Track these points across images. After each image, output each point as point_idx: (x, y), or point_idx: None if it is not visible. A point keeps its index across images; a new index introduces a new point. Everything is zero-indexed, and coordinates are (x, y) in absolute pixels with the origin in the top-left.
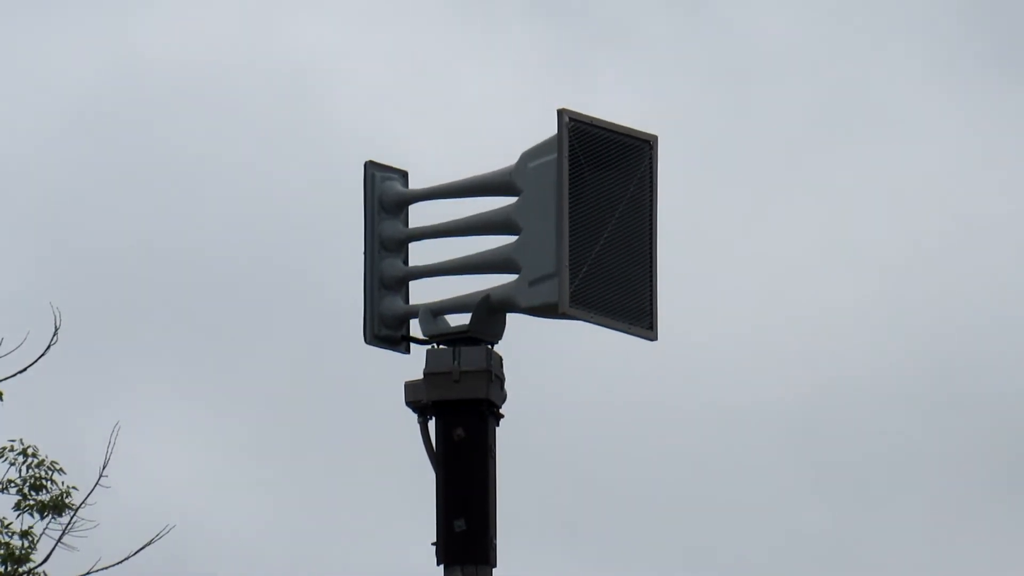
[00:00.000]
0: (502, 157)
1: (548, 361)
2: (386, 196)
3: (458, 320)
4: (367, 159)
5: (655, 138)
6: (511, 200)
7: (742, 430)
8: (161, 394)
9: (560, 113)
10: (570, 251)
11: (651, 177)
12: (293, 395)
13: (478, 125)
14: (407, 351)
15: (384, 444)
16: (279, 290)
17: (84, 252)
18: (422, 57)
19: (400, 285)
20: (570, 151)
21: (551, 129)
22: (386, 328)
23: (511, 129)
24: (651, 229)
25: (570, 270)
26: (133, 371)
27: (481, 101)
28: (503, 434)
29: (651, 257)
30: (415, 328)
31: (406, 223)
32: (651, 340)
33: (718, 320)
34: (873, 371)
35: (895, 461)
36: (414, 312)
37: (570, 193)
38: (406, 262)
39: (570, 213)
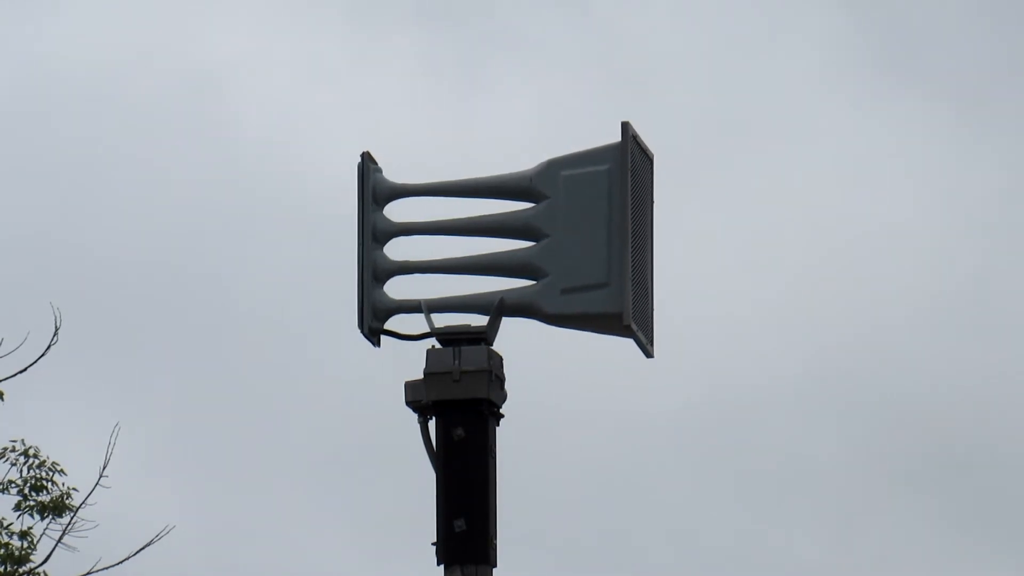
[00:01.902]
0: (400, 159)
1: (547, 361)
2: (379, 188)
3: (452, 320)
4: (363, 150)
5: (653, 156)
6: (523, 205)
7: (645, 436)
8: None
9: (625, 126)
10: (632, 264)
11: (652, 193)
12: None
13: (375, 128)
14: (378, 344)
15: (384, 444)
16: (188, 291)
17: None
18: (321, 62)
19: (390, 278)
20: (632, 163)
21: (448, 130)
22: (378, 321)
23: (407, 131)
24: (652, 248)
25: (633, 283)
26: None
27: (378, 104)
28: (503, 434)
29: (652, 273)
30: (393, 323)
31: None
32: (649, 357)
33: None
34: (775, 376)
35: (798, 465)
36: (403, 306)
37: (628, 206)
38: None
39: (633, 227)
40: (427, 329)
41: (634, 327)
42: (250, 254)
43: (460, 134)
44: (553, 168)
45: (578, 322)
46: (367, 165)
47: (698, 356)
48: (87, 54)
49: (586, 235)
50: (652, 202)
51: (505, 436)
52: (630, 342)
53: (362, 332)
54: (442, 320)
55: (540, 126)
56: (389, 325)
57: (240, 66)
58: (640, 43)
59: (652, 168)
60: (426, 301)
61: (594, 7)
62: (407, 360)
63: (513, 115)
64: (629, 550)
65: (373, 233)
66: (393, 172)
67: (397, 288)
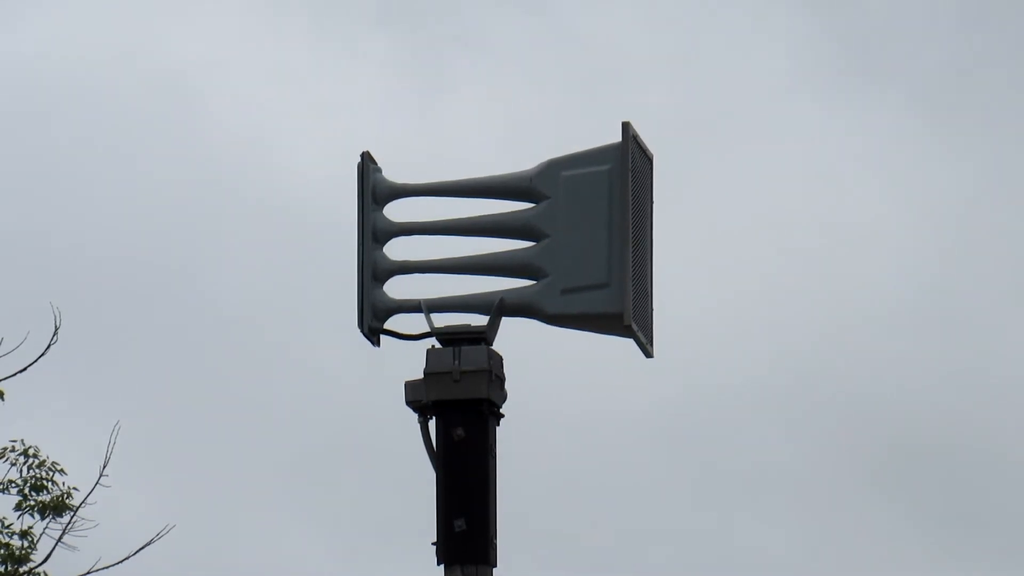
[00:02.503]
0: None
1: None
2: (379, 188)
3: (451, 320)
4: (363, 150)
5: (653, 156)
6: (524, 205)
7: (616, 435)
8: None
9: (625, 126)
10: (632, 265)
11: (652, 193)
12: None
13: (344, 129)
14: (377, 344)
15: (384, 444)
16: (158, 287)
17: None
18: (288, 64)
19: (390, 278)
20: (633, 165)
21: (414, 131)
22: (377, 321)
23: (375, 132)
24: (652, 250)
25: (633, 283)
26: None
27: (345, 106)
28: (503, 434)
29: (652, 273)
30: (393, 323)
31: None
32: (649, 357)
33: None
34: (742, 377)
35: (766, 463)
36: (403, 306)
37: (629, 206)
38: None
39: (633, 227)
40: (427, 329)
41: (634, 327)
42: (227, 253)
43: (426, 135)
44: (553, 168)
45: (578, 322)
46: (367, 165)
47: (666, 357)
48: (63, 54)
49: (586, 235)
50: (652, 202)
51: (505, 436)
52: (630, 342)
53: (362, 332)
54: (442, 320)
55: (505, 127)
56: (389, 325)
57: (212, 68)
58: (606, 44)
59: (652, 169)
60: (426, 301)
61: (555, 8)
62: (407, 360)
63: (478, 116)
64: (630, 550)
65: (373, 233)
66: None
67: (397, 288)
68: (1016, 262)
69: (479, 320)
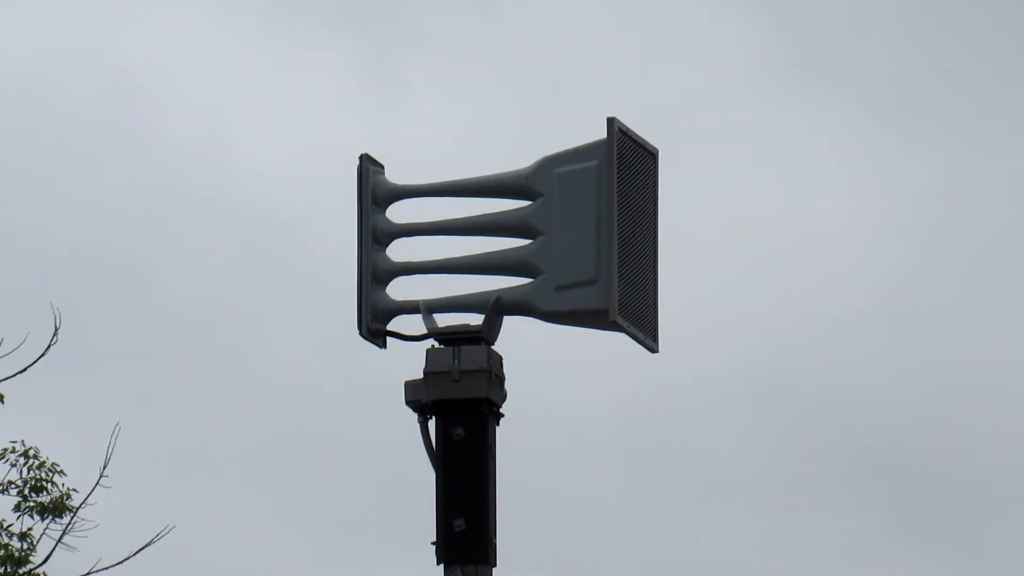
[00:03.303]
0: (330, 160)
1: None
2: (380, 190)
3: (452, 319)
4: (362, 152)
5: (657, 151)
6: (521, 204)
7: (577, 436)
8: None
9: (611, 121)
10: (618, 260)
11: (656, 189)
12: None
13: (299, 130)
14: (384, 346)
15: (383, 444)
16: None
17: None
18: (246, 65)
19: (391, 279)
20: (618, 160)
21: (370, 131)
22: (377, 322)
23: (331, 133)
24: (656, 243)
25: (624, 278)
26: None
27: (300, 107)
28: (503, 434)
29: (656, 268)
30: (396, 324)
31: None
32: (653, 352)
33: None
34: (704, 378)
35: (727, 464)
36: (405, 307)
37: (617, 202)
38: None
39: (618, 222)
40: (426, 329)
41: (622, 323)
42: (184, 253)
43: (384, 136)
44: (547, 165)
45: (571, 319)
46: (366, 166)
47: (627, 358)
48: (19, 54)
49: (577, 232)
50: (656, 197)
51: (505, 436)
52: (631, 340)
53: (361, 334)
54: (442, 320)
55: (463, 127)
56: (391, 326)
57: (169, 69)
58: (559, 44)
59: (656, 163)
60: (424, 301)
61: (507, 8)
62: (407, 360)
63: (435, 117)
64: (627, 551)
65: (373, 235)
66: (324, 171)
67: (396, 289)
68: (978, 261)
69: (479, 320)
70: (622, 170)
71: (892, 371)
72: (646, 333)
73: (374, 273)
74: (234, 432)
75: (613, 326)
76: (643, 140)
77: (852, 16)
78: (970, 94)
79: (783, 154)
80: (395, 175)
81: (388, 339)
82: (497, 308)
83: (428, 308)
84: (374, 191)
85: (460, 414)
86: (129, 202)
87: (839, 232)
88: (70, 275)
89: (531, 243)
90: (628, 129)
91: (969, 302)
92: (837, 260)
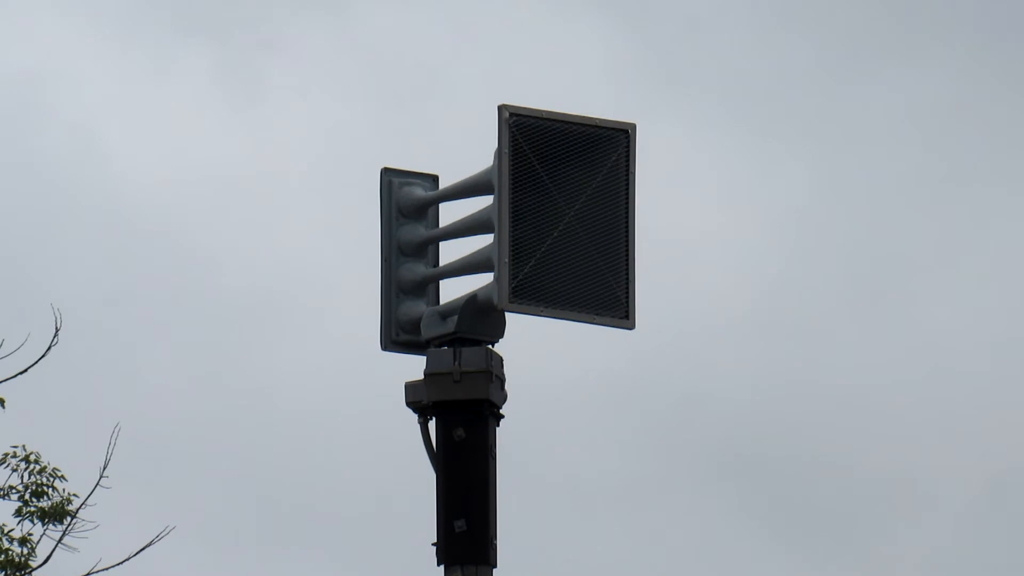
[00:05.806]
0: (198, 168)
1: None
2: (404, 201)
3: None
4: (383, 166)
5: (633, 127)
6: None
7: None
8: None
9: (500, 109)
10: (512, 246)
11: (627, 167)
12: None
13: (170, 136)
14: (415, 351)
15: (384, 444)
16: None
17: None
18: (125, 70)
19: (419, 289)
20: (514, 146)
21: (235, 139)
22: (405, 333)
23: (200, 140)
24: (627, 219)
25: (511, 265)
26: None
27: (170, 110)
28: (503, 434)
29: (627, 246)
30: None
31: (433, 225)
32: (628, 329)
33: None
34: (577, 380)
35: (600, 468)
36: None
37: (512, 187)
38: (436, 264)
39: (511, 208)
40: (434, 334)
41: (514, 311)
42: (64, 257)
43: (246, 143)
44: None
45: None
46: (389, 180)
47: (512, 359)
48: None
49: (500, 222)
50: (627, 176)
51: (505, 436)
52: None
53: (383, 348)
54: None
55: (323, 132)
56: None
57: (52, 75)
58: (412, 49)
59: (629, 140)
60: (431, 308)
61: (357, 11)
62: (407, 360)
63: (294, 123)
64: (626, 552)
65: (398, 247)
66: (198, 177)
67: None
68: (847, 268)
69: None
70: (541, 154)
71: (763, 377)
72: (610, 313)
73: (401, 285)
74: (234, 432)
75: (509, 311)
76: (594, 120)
77: (726, 24)
78: (833, 100)
79: (651, 161)
80: (258, 185)
81: (400, 345)
82: (471, 307)
83: (438, 313)
84: (399, 204)
85: (461, 415)
86: (5, 208)
87: (719, 239)
88: None
89: (493, 239)
90: (550, 113)
91: (838, 309)
92: (716, 267)
